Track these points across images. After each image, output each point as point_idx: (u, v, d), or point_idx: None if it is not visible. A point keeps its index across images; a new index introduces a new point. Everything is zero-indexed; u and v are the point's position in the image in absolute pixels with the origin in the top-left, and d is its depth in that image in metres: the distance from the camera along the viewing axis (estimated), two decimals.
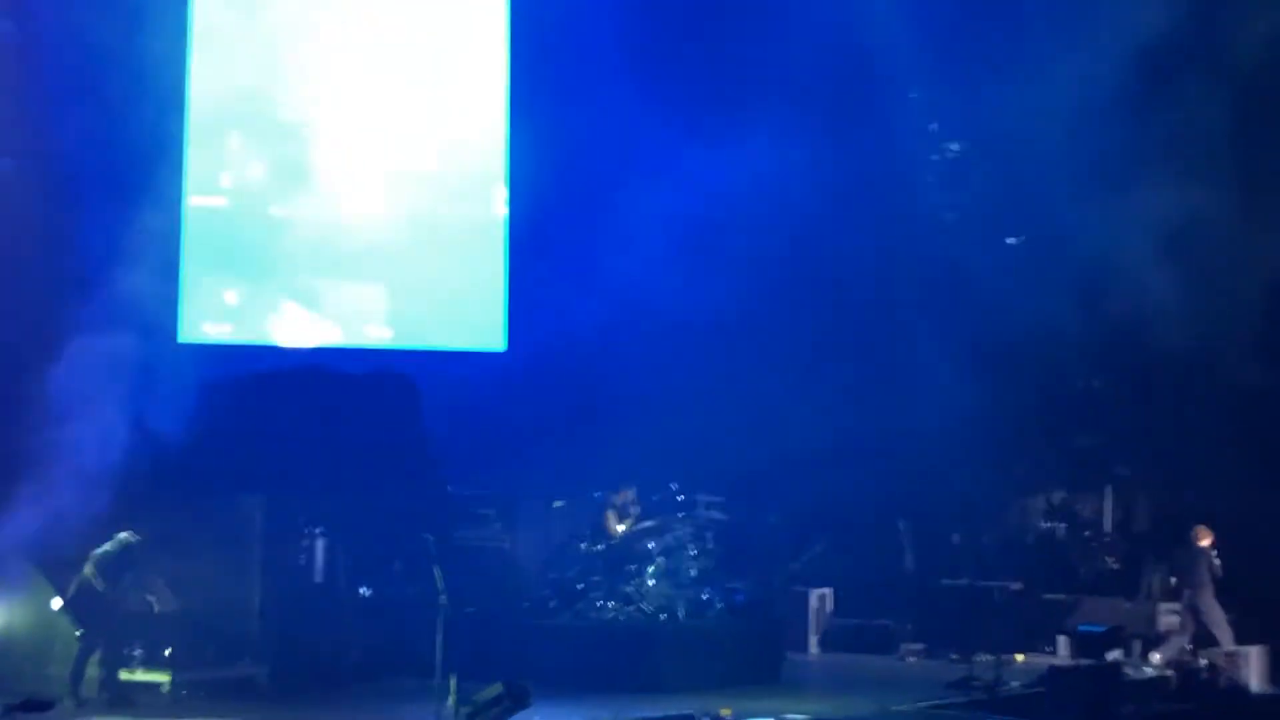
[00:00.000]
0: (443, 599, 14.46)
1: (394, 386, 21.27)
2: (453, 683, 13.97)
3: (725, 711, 15.37)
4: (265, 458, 18.62)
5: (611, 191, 21.91)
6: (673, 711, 15.00)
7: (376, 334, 21.88)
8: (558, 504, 19.86)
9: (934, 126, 24.11)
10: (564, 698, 16.04)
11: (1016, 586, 22.32)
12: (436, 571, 14.67)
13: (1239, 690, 19.33)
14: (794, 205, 22.10)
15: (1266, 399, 22.63)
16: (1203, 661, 19.94)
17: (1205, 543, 20.66)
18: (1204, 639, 20.52)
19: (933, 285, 23.36)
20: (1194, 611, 20.60)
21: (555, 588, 19.51)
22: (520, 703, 14.09)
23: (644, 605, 19.01)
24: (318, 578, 18.87)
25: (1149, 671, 19.87)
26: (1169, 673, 19.78)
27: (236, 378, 19.49)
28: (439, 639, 14.30)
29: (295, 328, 21.19)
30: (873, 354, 23.67)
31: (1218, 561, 20.69)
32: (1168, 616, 21.67)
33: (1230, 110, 21.88)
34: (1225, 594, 20.71)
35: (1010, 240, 23.83)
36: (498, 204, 22.45)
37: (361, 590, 19.37)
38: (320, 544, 18.91)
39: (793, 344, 22.97)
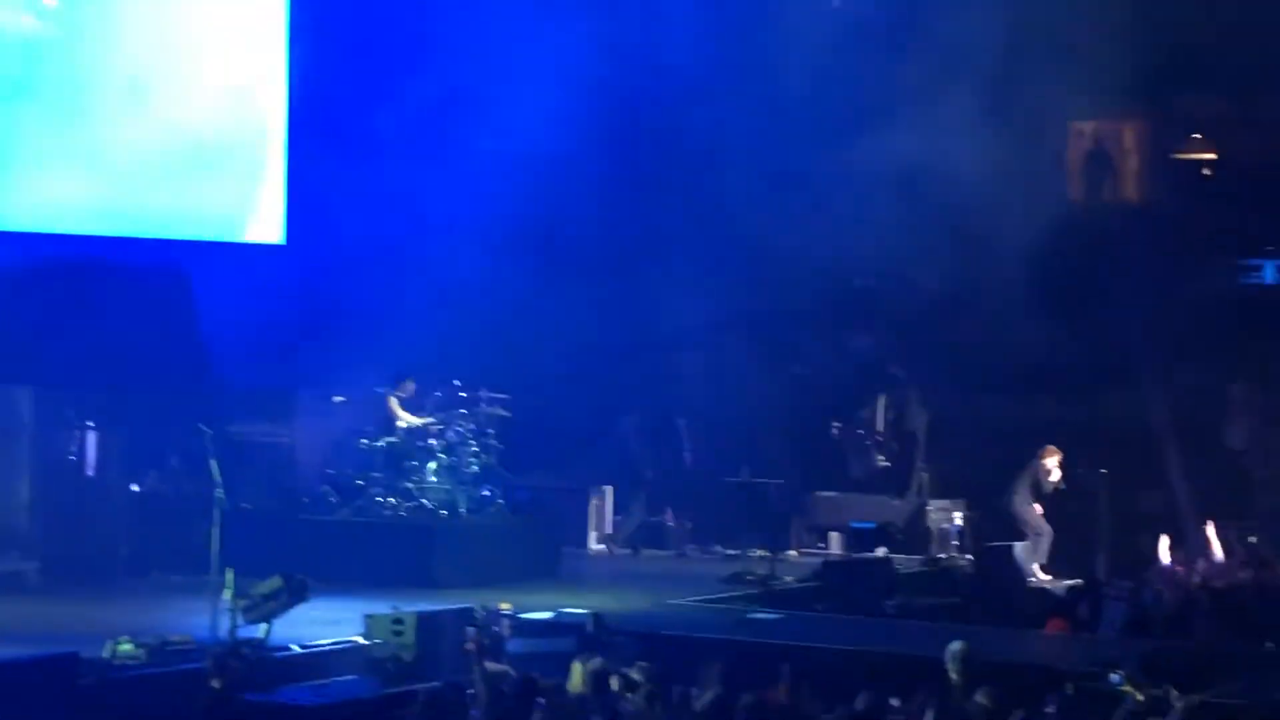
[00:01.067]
0: (219, 493, 14.26)
1: (171, 278, 20.86)
2: (229, 576, 13.80)
3: (504, 606, 15.38)
4: (35, 349, 18.16)
5: (392, 91, 21.59)
6: (452, 606, 15.01)
7: (154, 225, 21.36)
8: (338, 399, 19.64)
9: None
10: (343, 593, 15.96)
11: (789, 484, 22.75)
12: (213, 465, 14.45)
13: (1011, 584, 20.00)
14: (569, 113, 22.00)
15: (1031, 305, 23.32)
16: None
17: (1045, 460, 21.44)
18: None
19: (710, 185, 23.51)
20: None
21: (335, 484, 19.37)
22: (298, 596, 13.99)
23: (425, 501, 18.98)
24: (89, 471, 18.51)
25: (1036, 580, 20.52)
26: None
27: (4, 267, 18.93)
28: (214, 533, 14.10)
29: (68, 216, 20.59)
30: (653, 254, 23.78)
31: (1053, 479, 21.36)
32: (935, 514, 22.34)
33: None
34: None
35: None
36: (279, 99, 22.01)
37: (132, 486, 19.05)
38: (92, 437, 18.54)
39: (571, 243, 22.97)
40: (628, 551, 22.17)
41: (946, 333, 24.33)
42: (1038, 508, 21.52)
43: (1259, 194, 28.68)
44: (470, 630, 12.83)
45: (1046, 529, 21.48)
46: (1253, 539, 21.55)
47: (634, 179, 23.54)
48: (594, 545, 22.38)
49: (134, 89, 20.85)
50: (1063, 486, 21.79)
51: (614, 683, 12.03)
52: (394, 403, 19.44)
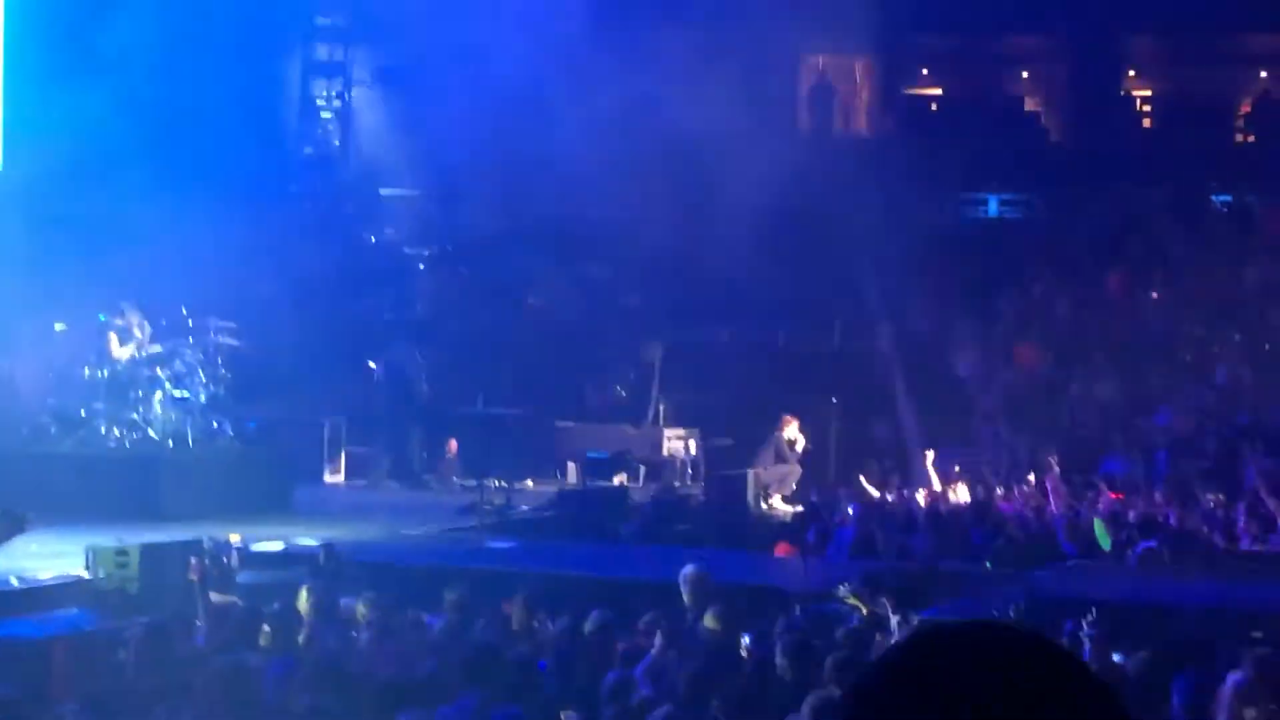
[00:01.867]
0: None
1: None
2: None
3: (233, 538, 15.12)
4: None
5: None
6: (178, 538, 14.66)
7: None
8: (59, 327, 19.01)
9: None
10: (67, 526, 15.48)
11: (527, 413, 22.79)
12: None
13: (742, 510, 20.37)
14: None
15: (763, 237, 23.63)
16: None
17: (785, 430, 21.81)
18: None
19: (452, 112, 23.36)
20: None
21: (57, 414, 18.76)
22: (15, 528, 13.50)
23: (151, 432, 18.50)
24: None
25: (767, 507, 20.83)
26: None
27: None
28: None
29: None
30: (387, 181, 23.55)
31: (798, 446, 21.90)
32: (672, 442, 22.58)
33: None
34: None
35: None
36: None
37: None
38: None
39: (302, 167, 22.61)
40: (394, 485, 21.83)
41: (680, 263, 24.55)
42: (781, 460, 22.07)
43: (984, 129, 29.53)
44: (193, 560, 12.56)
45: (795, 467, 22.01)
46: (974, 467, 22.26)
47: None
48: (328, 477, 22.10)
49: None
50: (809, 448, 22.29)
51: (343, 609, 11.92)
52: (112, 337, 18.83)
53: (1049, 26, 30.13)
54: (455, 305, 24.59)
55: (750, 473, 21.46)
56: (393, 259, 24.53)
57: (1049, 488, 20.53)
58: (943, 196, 29.24)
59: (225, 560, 14.36)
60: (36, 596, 13.48)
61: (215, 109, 21.44)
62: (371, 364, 22.08)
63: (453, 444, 21.37)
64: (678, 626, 11.53)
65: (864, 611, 12.16)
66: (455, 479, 21.78)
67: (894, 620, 11.00)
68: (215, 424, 19.17)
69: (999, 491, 20.88)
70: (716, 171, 23.80)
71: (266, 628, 11.06)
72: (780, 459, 22.10)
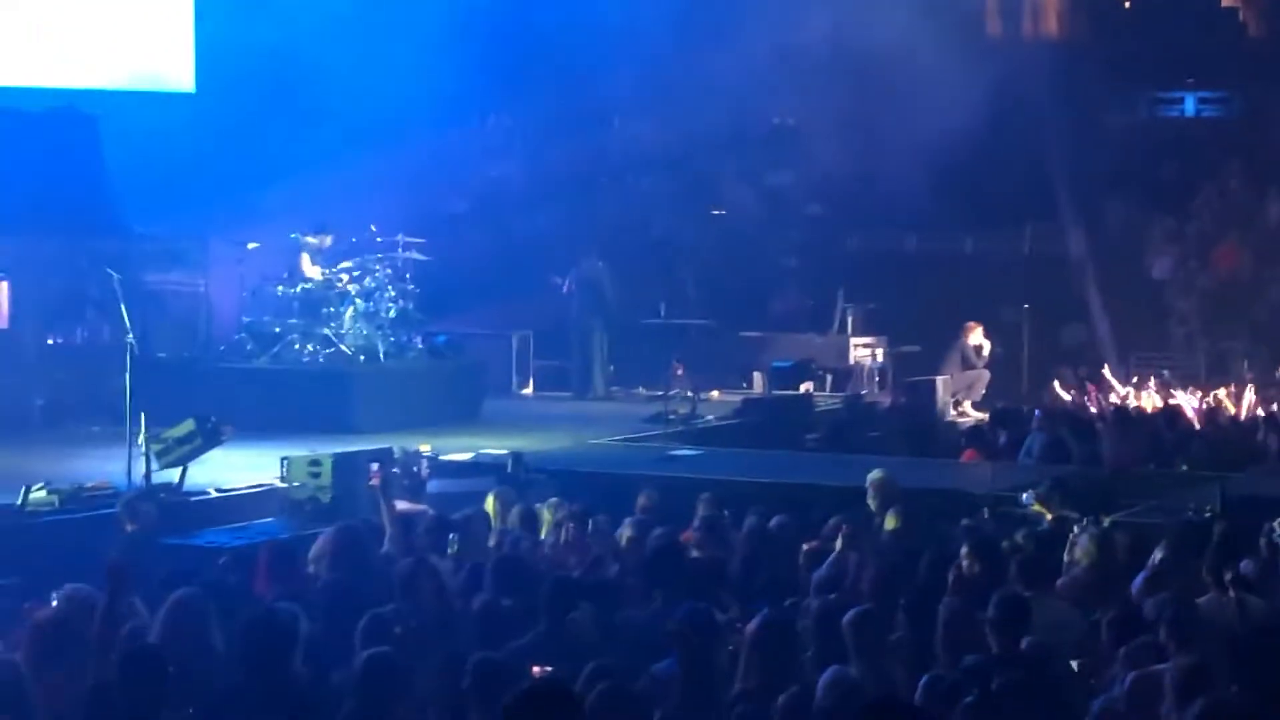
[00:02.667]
0: (130, 339, 14.07)
1: (80, 129, 20.50)
2: (142, 420, 13.66)
3: (423, 448, 15.37)
4: None
5: None
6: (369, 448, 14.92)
7: (64, 76, 20.98)
8: (252, 245, 19.36)
9: None
10: (262, 439, 15.84)
11: (711, 324, 22.77)
12: (123, 310, 14.26)
13: (930, 417, 20.19)
14: None
15: (953, 141, 23.27)
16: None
17: (968, 337, 21.60)
18: None
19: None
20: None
21: (251, 331, 19.15)
22: (212, 439, 13.89)
23: (343, 347, 18.81)
24: (2, 324, 18.25)
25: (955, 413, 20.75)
26: None
27: None
28: (127, 379, 13.93)
29: None
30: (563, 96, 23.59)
31: (984, 352, 21.78)
32: (857, 350, 22.43)
33: None
34: None
35: None
36: None
37: (48, 337, 18.83)
38: (4, 289, 18.25)
39: (486, 83, 22.69)
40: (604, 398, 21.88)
41: (865, 171, 24.28)
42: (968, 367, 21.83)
43: (1179, 26, 28.66)
44: (374, 467, 12.75)
45: (983, 373, 21.78)
46: (1165, 371, 21.82)
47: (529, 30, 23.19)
48: (515, 389, 22.31)
49: None
50: (997, 352, 22.02)
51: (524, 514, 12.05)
52: (305, 258, 19.14)
53: None
54: (638, 217, 24.60)
55: (939, 379, 21.26)
56: (575, 173, 24.56)
57: (1247, 388, 20.08)
58: (1137, 96, 28.53)
59: (415, 469, 14.62)
60: (233, 506, 13.81)
61: (406, 29, 21.57)
62: (557, 279, 22.12)
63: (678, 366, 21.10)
64: (862, 530, 11.46)
65: (1049, 517, 12.02)
66: (641, 389, 21.76)
67: (1081, 524, 10.84)
68: (405, 338, 19.42)
69: (1195, 394, 20.46)
70: (902, 78, 23.47)
71: (453, 535, 11.21)
72: (968, 365, 21.85)
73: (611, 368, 22.29)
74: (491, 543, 11.51)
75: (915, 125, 23.89)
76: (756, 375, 22.54)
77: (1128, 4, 31.15)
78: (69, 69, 21.11)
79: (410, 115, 21.06)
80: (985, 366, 22.03)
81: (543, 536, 11.92)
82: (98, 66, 21.29)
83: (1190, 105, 29.51)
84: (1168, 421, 17.64)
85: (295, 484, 13.67)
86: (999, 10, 30.00)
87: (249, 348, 19.01)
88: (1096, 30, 29.11)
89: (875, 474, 12.88)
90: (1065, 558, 10.49)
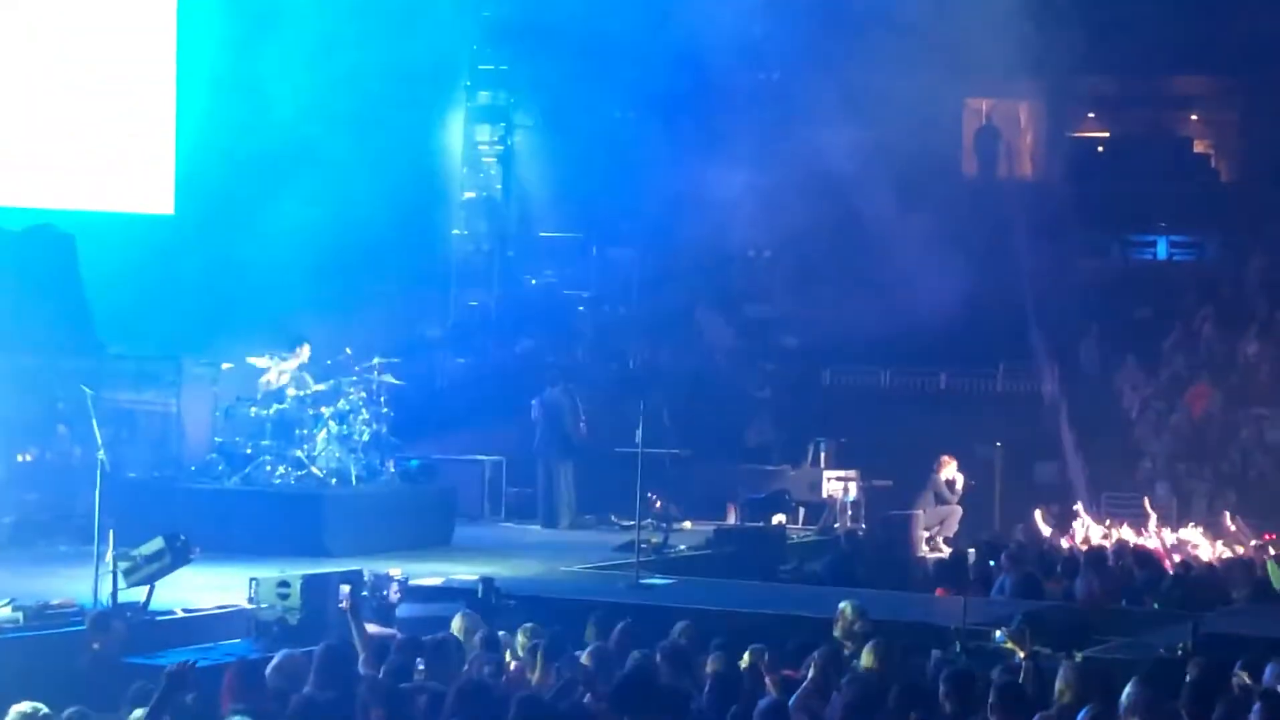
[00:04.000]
0: (101, 454, 13.98)
1: (57, 248, 20.55)
2: (110, 537, 13.55)
3: (394, 572, 15.26)
4: None
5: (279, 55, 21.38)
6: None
7: (44, 196, 21.09)
8: (226, 366, 19.34)
9: None
10: (232, 561, 15.74)
11: (685, 453, 22.75)
12: (95, 426, 14.19)
13: (903, 551, 20.17)
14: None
15: (926, 280, 23.46)
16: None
17: (942, 472, 21.67)
18: None
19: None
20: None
21: (223, 452, 19.07)
22: (181, 558, 13.78)
23: (315, 469, 18.73)
24: None
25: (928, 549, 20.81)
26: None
27: None
28: (96, 495, 13.84)
29: None
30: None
31: (957, 486, 21.90)
32: (830, 483, 22.42)
33: None
34: None
35: None
36: (168, 75, 21.84)
37: (19, 455, 18.73)
38: None
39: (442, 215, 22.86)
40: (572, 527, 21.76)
41: (840, 304, 24.44)
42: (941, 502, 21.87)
43: (1153, 171, 29.06)
44: (344, 588, 12.65)
45: (955, 508, 21.80)
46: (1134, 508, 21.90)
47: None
48: (487, 515, 22.21)
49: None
50: (970, 485, 22.07)
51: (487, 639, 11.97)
52: (279, 375, 19.06)
53: (1218, 67, 29.62)
54: (614, 345, 24.67)
55: (916, 514, 21.27)
56: (552, 300, 24.67)
57: (1220, 530, 20.13)
58: (1110, 239, 28.86)
59: (384, 593, 14.51)
60: (201, 626, 13.68)
61: (378, 154, 21.76)
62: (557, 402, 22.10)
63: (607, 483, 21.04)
64: (833, 660, 11.38)
65: (1022, 654, 11.95)
66: (613, 518, 21.62)
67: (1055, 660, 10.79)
68: (378, 462, 19.35)
69: (1167, 534, 20.49)
70: (879, 215, 23.70)
71: (419, 659, 11.10)
72: (940, 500, 21.86)
73: (573, 497, 22.13)
74: (464, 667, 11.40)
75: (890, 262, 24.12)
76: (730, 506, 22.48)
77: (1101, 149, 31.59)
78: (49, 189, 21.20)
79: (387, 239, 21.14)
80: (958, 502, 22.04)
81: (515, 662, 11.80)
82: (78, 188, 21.38)
83: (1163, 249, 29.84)
84: (1139, 561, 17.64)
85: (264, 605, 13.56)
86: (975, 151, 30.39)
87: (220, 468, 18.91)
88: (1071, 173, 29.48)
89: (845, 604, 12.82)
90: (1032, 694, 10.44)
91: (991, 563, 17.49)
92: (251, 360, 18.89)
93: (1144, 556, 18.18)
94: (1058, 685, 10.28)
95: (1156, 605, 15.44)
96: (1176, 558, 18.90)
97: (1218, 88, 31.04)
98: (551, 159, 23.45)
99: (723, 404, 24.88)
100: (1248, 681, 10.45)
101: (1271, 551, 18.37)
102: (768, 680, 10.85)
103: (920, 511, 21.47)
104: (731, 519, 22.14)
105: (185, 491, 18.41)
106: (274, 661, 10.81)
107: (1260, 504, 21.78)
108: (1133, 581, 16.69)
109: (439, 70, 23.21)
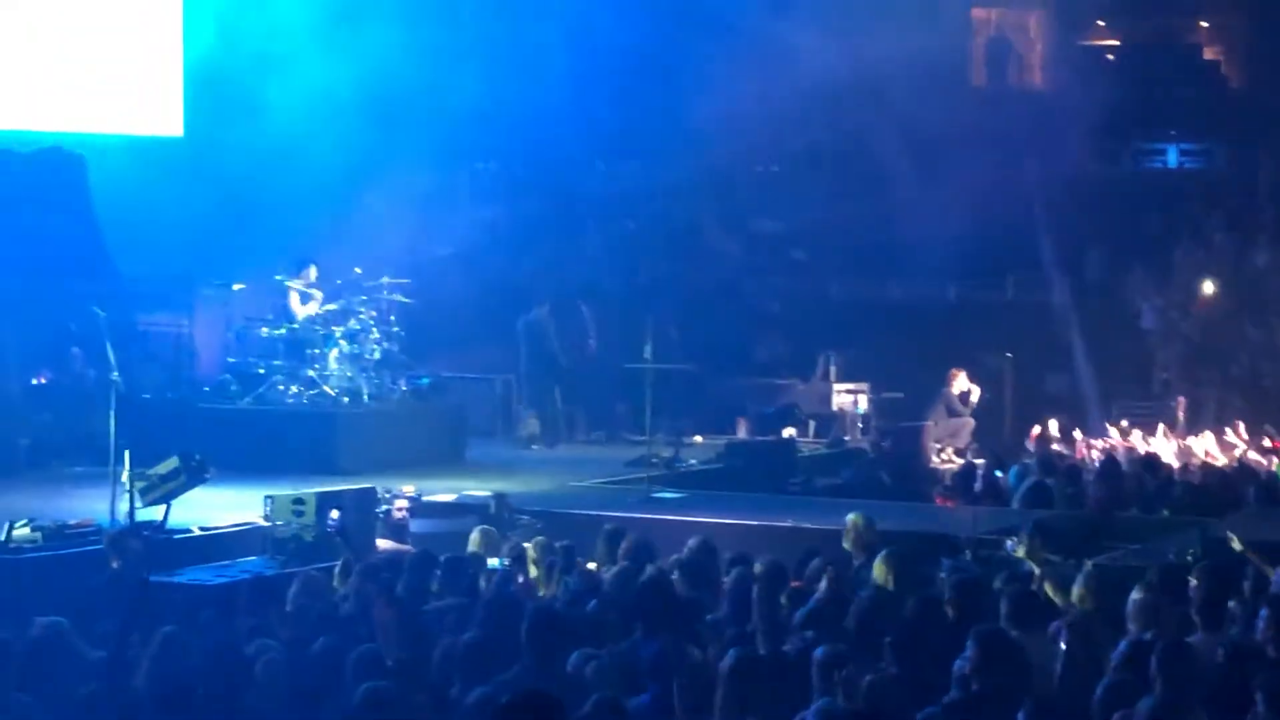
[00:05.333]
0: (115, 376, 14.08)
1: (68, 170, 20.56)
2: (126, 458, 13.67)
3: (407, 489, 15.40)
4: None
5: None
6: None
7: (52, 120, 21.06)
8: (238, 287, 19.40)
9: None
10: (247, 479, 15.86)
11: (695, 369, 22.78)
12: (108, 349, 14.28)
13: (913, 463, 20.21)
14: None
15: (937, 192, 23.41)
16: None
17: (952, 384, 21.67)
18: None
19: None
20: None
21: (236, 372, 19.16)
22: (196, 476, 13.91)
23: (327, 388, 18.82)
24: None
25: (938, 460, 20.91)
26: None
27: None
28: (111, 416, 13.94)
29: None
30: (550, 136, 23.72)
31: (971, 398, 21.84)
32: (840, 396, 22.50)
33: None
34: None
35: None
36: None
37: (33, 377, 18.85)
38: None
39: (461, 124, 22.75)
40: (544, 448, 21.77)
41: (850, 218, 24.41)
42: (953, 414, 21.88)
43: (1162, 79, 28.91)
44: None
45: (968, 420, 21.84)
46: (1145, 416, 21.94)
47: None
48: (495, 433, 22.26)
49: None
50: (985, 397, 22.09)
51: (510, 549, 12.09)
52: (293, 295, 19.21)
53: None
54: (623, 261, 24.67)
55: (925, 425, 21.33)
56: (560, 217, 24.64)
57: (1230, 435, 20.19)
58: (1120, 148, 28.75)
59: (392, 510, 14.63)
60: (217, 544, 13.82)
61: (389, 76, 21.65)
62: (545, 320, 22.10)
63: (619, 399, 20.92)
64: (844, 573, 11.48)
65: (1033, 563, 12.04)
66: (625, 433, 21.65)
67: (1062, 569, 10.88)
68: (389, 381, 19.43)
69: (1177, 441, 20.55)
70: (884, 126, 23.62)
71: (437, 570, 11.23)
72: (952, 413, 21.91)
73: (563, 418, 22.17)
74: (482, 583, 11.52)
75: (898, 174, 24.07)
76: (740, 421, 22.56)
77: (1111, 56, 31.42)
78: (58, 114, 21.17)
79: (394, 159, 21.09)
80: (970, 414, 22.09)
81: (524, 575, 11.93)
82: (87, 112, 21.34)
83: (1173, 157, 29.72)
84: (1149, 468, 17.71)
85: (279, 522, 13.67)
86: (984, 61, 30.24)
87: (233, 388, 19.02)
88: (1081, 82, 29.33)
89: (853, 516, 12.90)
90: (1060, 600, 10.54)
91: (998, 473, 17.57)
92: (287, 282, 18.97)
93: (1154, 463, 18.25)
94: (1075, 591, 10.38)
95: (1167, 512, 15.51)
96: (1188, 464, 18.94)
97: None
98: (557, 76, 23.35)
99: (732, 319, 24.90)
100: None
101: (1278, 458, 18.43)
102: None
103: (931, 423, 21.52)
104: (742, 433, 22.23)
105: (199, 412, 18.53)
106: (294, 586, 10.92)
107: (1270, 412, 21.81)
108: (1144, 488, 16.76)
109: None
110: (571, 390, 22.21)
